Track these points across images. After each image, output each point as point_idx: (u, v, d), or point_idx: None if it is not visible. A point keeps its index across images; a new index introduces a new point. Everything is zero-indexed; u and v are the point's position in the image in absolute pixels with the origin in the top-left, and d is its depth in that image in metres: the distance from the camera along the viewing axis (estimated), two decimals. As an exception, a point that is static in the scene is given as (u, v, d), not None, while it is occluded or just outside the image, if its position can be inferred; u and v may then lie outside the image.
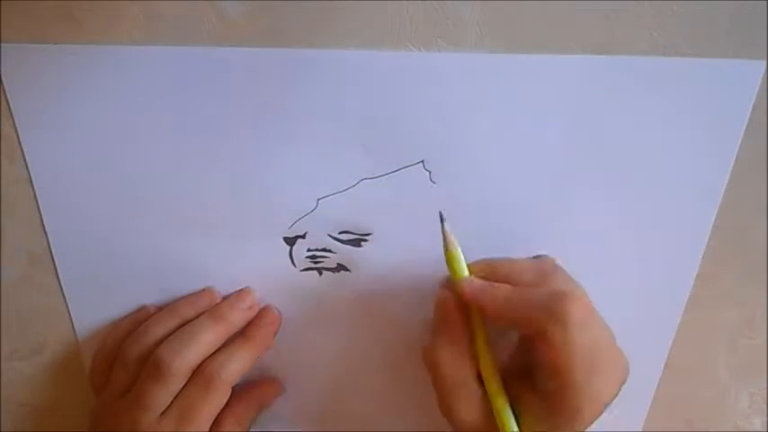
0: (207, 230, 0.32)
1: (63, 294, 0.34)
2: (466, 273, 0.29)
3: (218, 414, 0.32)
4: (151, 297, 0.34)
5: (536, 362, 0.27)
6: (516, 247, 0.31)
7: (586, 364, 0.26)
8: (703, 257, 0.33)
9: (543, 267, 0.29)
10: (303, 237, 0.32)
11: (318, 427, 0.38)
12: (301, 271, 0.33)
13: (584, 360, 0.26)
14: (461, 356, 0.29)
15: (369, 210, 0.32)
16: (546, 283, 0.28)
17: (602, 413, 0.27)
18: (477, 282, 0.29)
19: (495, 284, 0.28)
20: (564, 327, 0.25)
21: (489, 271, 0.30)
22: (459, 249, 0.29)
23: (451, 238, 0.29)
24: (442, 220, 0.29)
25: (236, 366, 0.32)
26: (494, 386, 0.28)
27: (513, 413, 0.28)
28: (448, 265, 0.29)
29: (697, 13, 0.27)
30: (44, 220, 0.32)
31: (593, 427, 0.38)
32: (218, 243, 0.32)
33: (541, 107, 0.29)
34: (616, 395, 0.27)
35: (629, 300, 0.34)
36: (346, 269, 0.33)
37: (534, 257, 0.31)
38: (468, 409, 0.29)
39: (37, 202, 0.31)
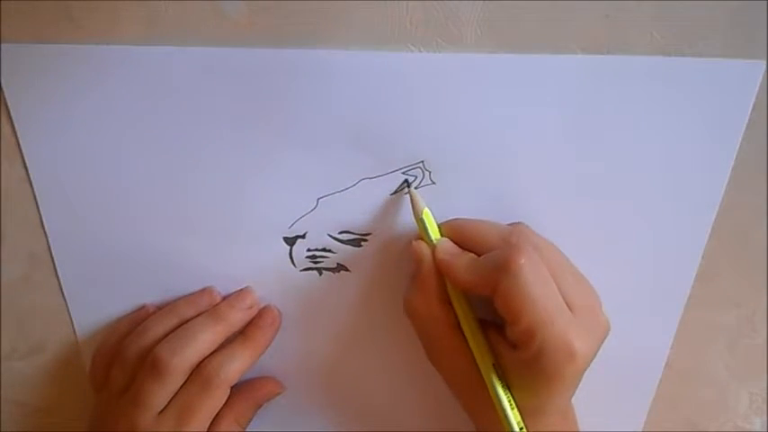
0: (207, 230, 0.32)
1: (63, 294, 0.34)
2: (434, 237, 0.30)
3: (217, 413, 0.32)
4: (151, 297, 0.34)
5: (503, 320, 0.28)
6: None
7: (542, 310, 0.26)
8: (703, 257, 0.33)
9: (508, 231, 0.29)
10: (303, 237, 0.32)
11: (318, 426, 0.38)
12: (301, 271, 0.33)
13: (539, 306, 0.26)
14: (438, 305, 0.29)
15: (369, 210, 0.32)
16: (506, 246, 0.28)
17: (581, 372, 0.27)
18: (446, 247, 0.29)
19: (460, 253, 0.29)
20: (512, 275, 0.26)
21: (458, 233, 0.30)
22: (428, 212, 0.30)
23: (419, 201, 0.30)
24: (408, 185, 0.30)
25: (235, 366, 0.32)
26: (472, 335, 0.29)
27: (500, 370, 0.28)
28: (419, 228, 0.30)
29: (697, 13, 0.27)
30: (44, 220, 0.32)
31: (593, 427, 0.38)
32: (218, 243, 0.32)
33: (541, 107, 0.29)
34: (594, 352, 0.27)
35: (629, 300, 0.34)
36: (346, 269, 0.33)
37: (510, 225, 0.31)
38: (450, 357, 0.30)
39: (37, 202, 0.31)
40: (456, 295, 0.29)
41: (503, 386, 0.28)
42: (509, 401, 0.28)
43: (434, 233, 0.30)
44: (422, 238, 0.30)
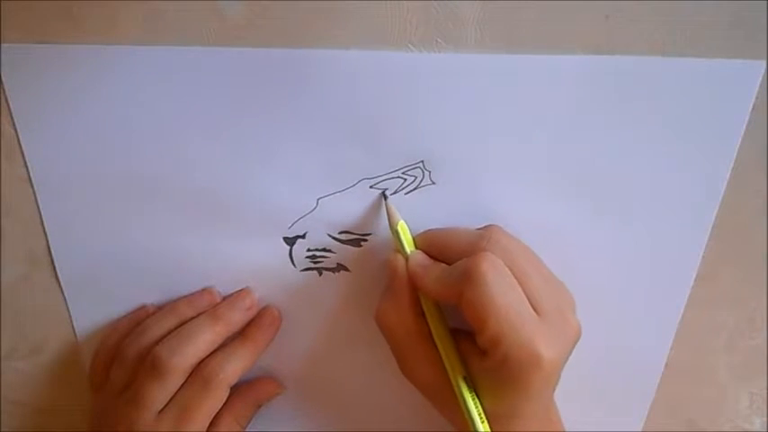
0: (207, 230, 0.32)
1: (63, 294, 0.34)
2: (409, 249, 0.30)
3: (217, 413, 0.32)
4: (151, 297, 0.34)
5: (471, 328, 0.28)
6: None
7: (507, 316, 0.26)
8: (703, 257, 0.33)
9: (477, 238, 0.29)
10: (303, 237, 0.32)
11: (318, 426, 0.38)
12: (301, 271, 0.33)
13: (503, 313, 0.26)
14: (412, 316, 0.30)
15: (369, 210, 0.32)
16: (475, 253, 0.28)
17: (552, 377, 0.27)
18: (418, 259, 0.30)
19: (432, 264, 0.29)
20: (475, 284, 0.26)
21: (430, 243, 0.30)
22: (403, 224, 0.30)
23: (395, 213, 0.30)
24: (385, 198, 0.31)
25: (234, 367, 0.32)
26: (443, 346, 0.29)
27: (470, 379, 0.28)
28: (394, 240, 0.31)
29: (697, 13, 0.27)
30: (44, 220, 0.32)
31: (593, 427, 0.38)
32: (218, 243, 0.32)
33: (541, 107, 0.29)
34: (564, 357, 0.27)
35: (630, 300, 0.34)
36: (346, 269, 0.33)
37: (480, 228, 0.31)
38: (422, 368, 0.30)
39: (37, 202, 0.31)
40: (428, 306, 0.30)
41: (473, 398, 0.28)
42: (479, 413, 0.27)
43: (409, 245, 0.30)
44: (397, 251, 0.31)
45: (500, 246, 0.28)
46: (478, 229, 0.31)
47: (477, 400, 0.28)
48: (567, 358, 0.28)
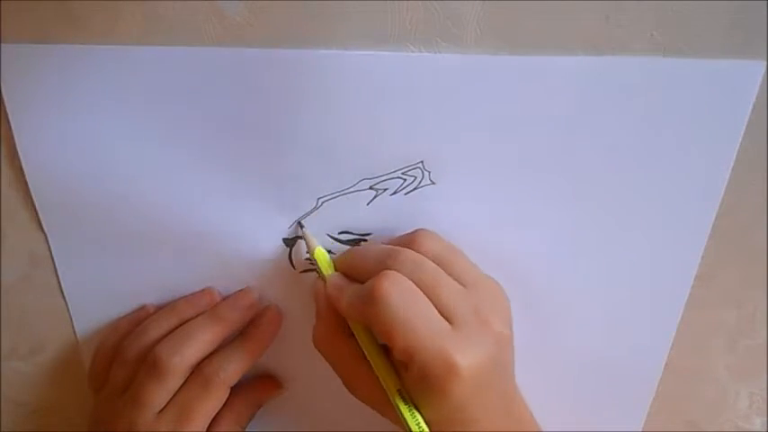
0: (207, 230, 0.32)
1: (63, 294, 0.34)
2: (328, 272, 0.31)
3: (217, 413, 0.32)
4: (151, 297, 0.34)
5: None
6: (516, 247, 0.31)
7: (413, 330, 0.26)
8: (703, 258, 0.33)
9: (385, 255, 0.29)
10: (303, 238, 0.32)
11: (318, 426, 0.38)
12: (301, 272, 0.33)
13: (411, 327, 0.26)
14: (341, 338, 0.30)
15: (369, 210, 0.32)
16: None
17: (475, 384, 0.26)
18: (334, 281, 0.30)
19: (346, 286, 0.29)
20: (377, 304, 0.26)
21: (347, 264, 0.31)
22: (320, 250, 0.31)
23: (312, 240, 0.31)
24: (301, 227, 0.31)
25: (234, 367, 0.32)
26: (376, 365, 0.29)
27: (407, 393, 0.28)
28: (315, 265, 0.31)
29: (697, 13, 0.27)
30: (44, 220, 0.32)
31: (593, 427, 0.38)
32: (219, 243, 0.32)
33: (541, 108, 0.29)
34: (485, 363, 0.26)
35: (629, 300, 0.34)
36: (346, 269, 0.33)
37: (410, 232, 0.31)
38: (365, 388, 0.30)
39: (36, 202, 0.31)
40: (355, 326, 0.29)
41: (410, 409, 0.27)
42: (417, 423, 0.27)
43: (328, 268, 0.31)
44: (320, 276, 0.31)
45: (408, 260, 0.28)
46: (406, 234, 0.31)
47: (414, 411, 0.27)
48: (502, 363, 0.27)
